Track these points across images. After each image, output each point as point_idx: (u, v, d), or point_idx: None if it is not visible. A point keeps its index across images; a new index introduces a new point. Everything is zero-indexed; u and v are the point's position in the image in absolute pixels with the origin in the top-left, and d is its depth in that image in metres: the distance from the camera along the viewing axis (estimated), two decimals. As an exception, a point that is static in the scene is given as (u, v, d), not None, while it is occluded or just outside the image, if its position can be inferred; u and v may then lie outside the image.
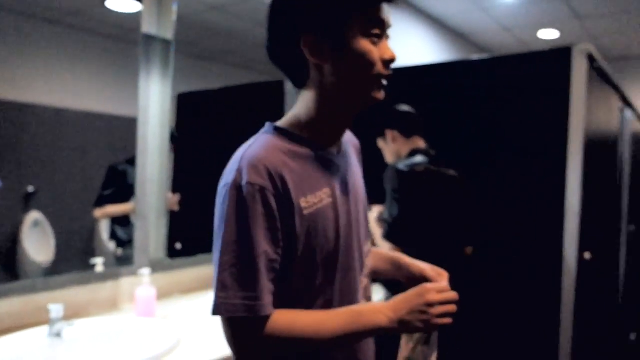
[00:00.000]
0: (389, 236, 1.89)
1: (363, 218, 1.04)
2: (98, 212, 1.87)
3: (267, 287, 0.85)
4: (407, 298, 0.92)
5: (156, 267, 1.99)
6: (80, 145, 1.79)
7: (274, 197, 0.85)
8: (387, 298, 1.98)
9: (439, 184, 1.93)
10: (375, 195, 1.83)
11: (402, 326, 0.90)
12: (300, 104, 0.96)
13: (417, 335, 1.01)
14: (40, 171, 1.68)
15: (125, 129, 1.92)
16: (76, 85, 1.76)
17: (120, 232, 1.95)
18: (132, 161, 1.94)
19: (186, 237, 2.13)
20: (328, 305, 0.93)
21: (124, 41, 1.88)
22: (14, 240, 1.64)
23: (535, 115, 2.06)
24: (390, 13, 0.91)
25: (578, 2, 3.71)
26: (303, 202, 0.88)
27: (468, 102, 2.22)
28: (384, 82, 0.92)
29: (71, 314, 1.67)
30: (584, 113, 1.95)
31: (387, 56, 0.90)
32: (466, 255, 1.96)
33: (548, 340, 1.99)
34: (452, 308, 0.91)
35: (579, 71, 1.95)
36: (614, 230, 3.19)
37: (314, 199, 0.90)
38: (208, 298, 1.97)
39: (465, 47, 4.75)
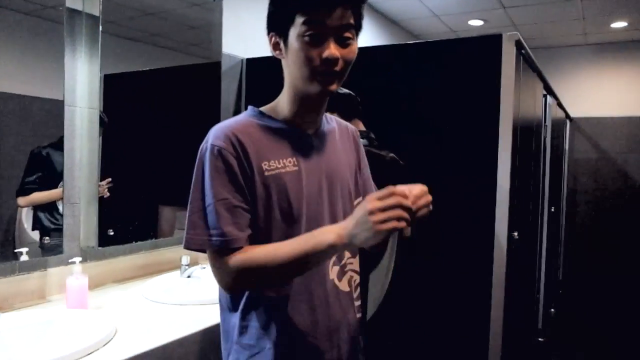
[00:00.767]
0: None
1: (342, 196, 1.15)
2: (22, 201, 1.75)
3: (229, 225, 0.99)
4: (354, 213, 0.95)
5: (87, 256, 1.90)
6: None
7: (232, 157, 1.01)
8: None
9: (378, 166, 1.96)
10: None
11: (352, 239, 0.93)
12: (282, 92, 1.12)
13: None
14: None
15: (47, 112, 1.78)
16: None
17: (45, 220, 1.83)
18: (56, 145, 1.82)
19: (119, 223, 2.04)
20: None
21: (43, 18, 1.75)
22: None
23: (466, 100, 2.13)
24: (345, 17, 1.01)
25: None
26: (265, 165, 1.04)
27: (402, 87, 2.26)
28: (331, 75, 1.02)
29: (-6, 308, 1.57)
30: (512, 98, 2.04)
31: (323, 55, 1.00)
32: (404, 237, 2.00)
33: (481, 317, 2.09)
34: (396, 212, 0.89)
35: (508, 57, 2.03)
36: (537, 211, 3.38)
37: (277, 164, 1.05)
38: (144, 287, 1.90)
39: (398, 34, 4.83)
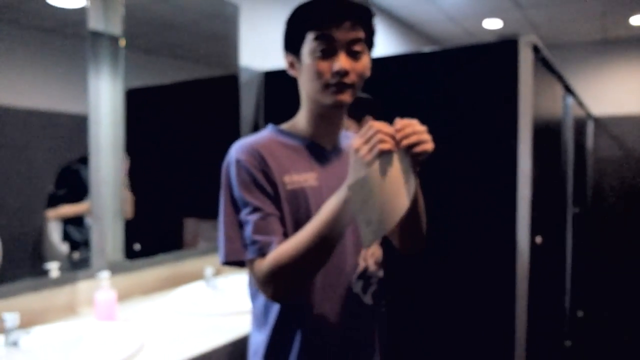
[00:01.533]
0: None
1: None
2: (51, 213, 1.81)
3: (263, 234, 1.02)
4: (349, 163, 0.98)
5: (115, 269, 1.95)
6: (23, 144, 1.71)
7: (257, 169, 1.05)
8: None
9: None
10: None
11: (354, 181, 0.94)
12: (300, 110, 1.17)
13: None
14: None
15: (72, 127, 1.84)
16: (17, 82, 1.67)
17: (75, 233, 1.89)
18: (85, 160, 1.88)
19: (144, 236, 2.09)
20: None
21: (68, 36, 1.81)
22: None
23: (485, 105, 2.13)
24: (355, 31, 1.05)
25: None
26: (287, 178, 1.07)
27: (419, 95, 2.26)
28: (343, 87, 1.06)
29: (28, 322, 1.62)
30: (531, 102, 2.02)
31: (334, 68, 1.05)
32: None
33: (504, 323, 2.07)
34: (378, 137, 0.91)
35: (525, 61, 2.02)
36: (561, 213, 3.34)
37: (299, 177, 1.09)
38: (170, 298, 1.94)
39: (414, 38, 4.83)
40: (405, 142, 0.92)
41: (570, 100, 3.46)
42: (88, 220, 1.89)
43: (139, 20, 2.04)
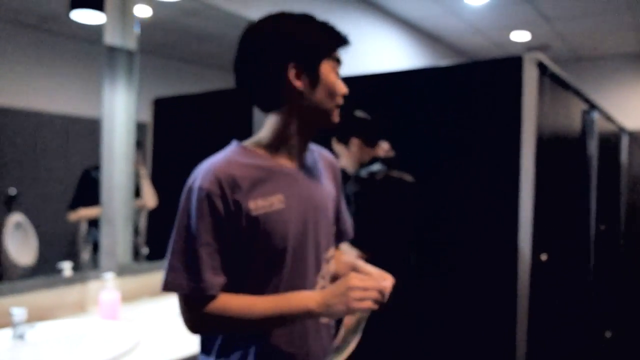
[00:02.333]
0: (351, 241, 1.96)
1: (325, 226, 1.16)
2: (72, 215, 1.93)
3: (209, 272, 1.00)
4: (334, 284, 1.04)
5: (123, 271, 2.05)
6: (62, 148, 1.85)
7: (219, 199, 1.00)
8: None
9: (397, 190, 2.01)
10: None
11: (327, 308, 1.01)
12: (267, 126, 1.11)
13: (350, 323, 1.11)
14: (21, 174, 1.73)
15: (89, 132, 1.97)
16: (56, 89, 1.82)
17: (97, 235, 2.00)
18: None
19: (153, 241, 2.19)
20: None
21: (88, 50, 1.94)
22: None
23: (489, 122, 2.14)
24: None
25: (545, 5, 3.79)
26: (252, 204, 1.03)
27: (425, 110, 2.29)
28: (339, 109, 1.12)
29: (38, 317, 1.73)
30: (535, 118, 2.02)
31: (343, 90, 1.10)
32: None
33: (505, 342, 2.07)
34: (373, 294, 1.00)
35: (530, 78, 2.02)
36: (582, 230, 3.27)
37: (264, 202, 1.04)
38: (174, 301, 2.03)
39: (439, 50, 4.83)
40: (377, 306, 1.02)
41: (594, 114, 3.39)
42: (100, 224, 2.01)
43: (168, 30, 2.15)
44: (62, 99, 1.84)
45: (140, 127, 2.10)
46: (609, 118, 3.90)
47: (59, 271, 1.85)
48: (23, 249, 1.75)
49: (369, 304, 1.00)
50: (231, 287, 1.04)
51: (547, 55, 2.13)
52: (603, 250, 3.88)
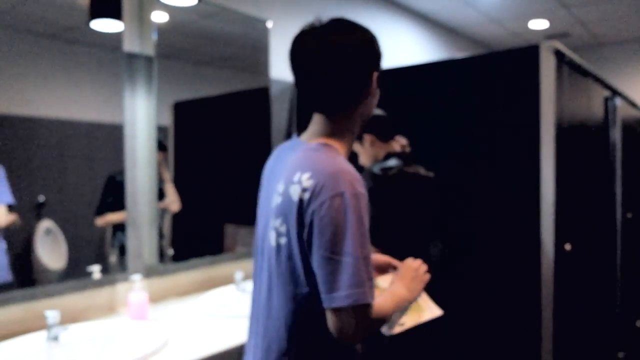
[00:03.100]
0: None
1: None
2: (99, 220, 1.98)
3: (370, 275, 1.04)
4: (400, 273, 1.26)
5: (150, 273, 2.10)
6: (87, 155, 1.90)
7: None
8: None
9: (413, 185, 2.02)
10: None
11: (412, 292, 1.23)
12: (330, 128, 1.14)
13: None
14: (50, 181, 1.78)
15: (112, 137, 2.01)
16: (80, 97, 1.87)
17: (122, 239, 2.05)
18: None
19: (178, 243, 2.24)
20: None
21: (108, 57, 1.99)
22: (28, 248, 1.74)
23: (508, 113, 2.13)
24: None
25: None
26: None
27: (443, 103, 2.29)
28: None
29: (70, 319, 1.79)
30: (554, 105, 2.01)
31: None
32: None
33: (530, 332, 2.06)
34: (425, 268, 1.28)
35: (547, 66, 2.01)
36: (608, 218, 3.23)
37: None
38: (200, 300, 2.07)
39: (457, 42, 4.80)
40: None
41: (617, 101, 3.33)
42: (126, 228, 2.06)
43: (171, 39, 2.19)
44: (85, 106, 1.89)
45: (161, 131, 2.15)
46: (632, 104, 3.84)
47: (89, 274, 1.90)
48: (53, 254, 1.81)
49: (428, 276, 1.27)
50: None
51: (568, 43, 2.12)
52: (630, 238, 3.81)
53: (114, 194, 2.01)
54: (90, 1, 1.88)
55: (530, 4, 4.01)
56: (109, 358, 1.62)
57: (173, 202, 2.22)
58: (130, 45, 2.04)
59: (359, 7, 3.50)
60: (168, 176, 2.20)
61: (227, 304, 2.11)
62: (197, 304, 2.04)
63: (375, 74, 1.13)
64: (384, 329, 1.23)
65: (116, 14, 1.97)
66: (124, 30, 2.01)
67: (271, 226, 1.10)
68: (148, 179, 2.12)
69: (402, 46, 3.95)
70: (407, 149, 2.12)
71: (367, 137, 2.11)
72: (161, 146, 2.16)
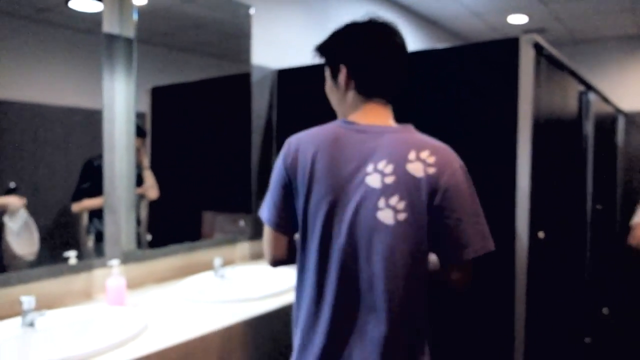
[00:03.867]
0: None
1: None
2: (75, 206, 1.95)
3: None
4: None
5: (128, 259, 2.08)
6: (61, 140, 1.85)
7: None
8: None
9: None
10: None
11: None
12: (390, 114, 1.38)
13: None
14: (21, 167, 1.74)
15: (88, 122, 1.96)
16: (54, 81, 1.81)
17: (98, 225, 2.02)
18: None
19: (158, 227, 2.22)
20: None
21: (86, 39, 1.94)
22: (-2, 235, 1.70)
23: (486, 104, 2.15)
24: None
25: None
26: None
27: (421, 92, 2.30)
28: None
29: (47, 305, 1.76)
30: (531, 99, 2.04)
31: None
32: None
33: (503, 319, 2.10)
34: None
35: (526, 60, 2.04)
36: (579, 209, 3.31)
37: None
38: (179, 286, 2.06)
39: (436, 34, 4.83)
40: None
41: (591, 96, 3.41)
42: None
43: (150, 23, 2.16)
44: (61, 90, 1.84)
45: (138, 117, 2.12)
46: (605, 99, 3.93)
47: (65, 260, 1.87)
48: (24, 241, 1.78)
49: None
50: None
51: (544, 38, 2.15)
52: (599, 229, 3.92)
53: (91, 179, 1.98)
54: (68, -20, 1.84)
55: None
56: (86, 343, 1.60)
57: (151, 188, 2.20)
58: (109, 27, 2.00)
59: (341, -4, 3.50)
60: (147, 162, 2.18)
61: (206, 290, 2.10)
62: (175, 290, 2.03)
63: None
64: None
65: (95, -5, 1.93)
66: (104, 10, 1.97)
67: (380, 206, 1.17)
68: (126, 164, 2.09)
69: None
70: None
71: None
72: (140, 132, 2.13)
